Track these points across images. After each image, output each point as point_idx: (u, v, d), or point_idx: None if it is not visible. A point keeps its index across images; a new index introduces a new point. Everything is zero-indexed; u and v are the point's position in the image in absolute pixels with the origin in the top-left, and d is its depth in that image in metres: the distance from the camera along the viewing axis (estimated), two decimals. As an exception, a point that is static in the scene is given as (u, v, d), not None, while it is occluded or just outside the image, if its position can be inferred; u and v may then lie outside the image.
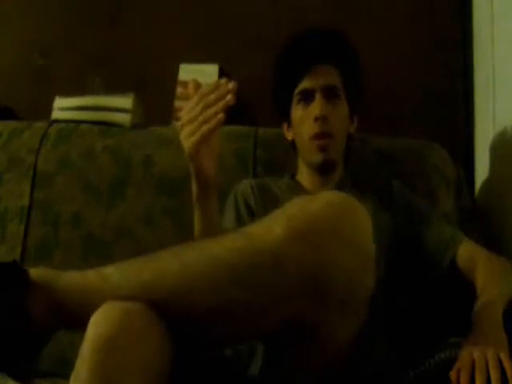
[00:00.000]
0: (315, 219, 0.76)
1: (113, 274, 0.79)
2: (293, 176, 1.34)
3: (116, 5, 1.81)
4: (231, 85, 0.93)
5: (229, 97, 0.92)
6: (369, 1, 1.71)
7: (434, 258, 1.18)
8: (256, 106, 1.70)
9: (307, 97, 1.24)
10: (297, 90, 1.25)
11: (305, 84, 1.24)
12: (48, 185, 1.48)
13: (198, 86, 0.96)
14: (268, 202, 1.25)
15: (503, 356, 0.83)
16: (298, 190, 1.28)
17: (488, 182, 1.49)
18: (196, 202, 1.02)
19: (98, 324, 0.69)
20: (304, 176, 1.30)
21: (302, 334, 0.81)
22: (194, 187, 1.00)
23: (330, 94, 1.23)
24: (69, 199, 1.46)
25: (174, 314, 0.75)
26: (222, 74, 1.67)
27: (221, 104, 0.92)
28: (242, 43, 1.73)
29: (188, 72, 1.69)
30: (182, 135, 0.95)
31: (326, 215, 0.76)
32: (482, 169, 1.53)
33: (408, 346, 1.08)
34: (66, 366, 0.97)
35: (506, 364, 0.81)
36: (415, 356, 0.89)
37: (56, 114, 1.61)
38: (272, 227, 0.76)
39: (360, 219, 0.79)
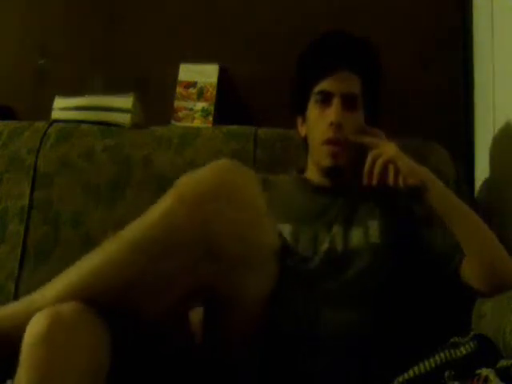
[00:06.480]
0: (198, 183, 0.84)
1: (39, 293, 0.84)
2: (300, 172, 1.32)
3: (116, 4, 1.81)
4: None
5: None
6: (368, 0, 1.71)
7: (441, 261, 1.17)
8: (256, 106, 1.70)
9: (325, 99, 1.22)
10: (316, 89, 1.23)
11: (325, 85, 1.22)
12: (48, 185, 1.48)
13: None
14: (272, 198, 1.23)
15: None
16: (305, 184, 1.27)
17: (488, 182, 1.48)
18: None
19: (32, 328, 0.72)
20: (312, 174, 1.29)
21: (213, 299, 0.87)
22: None
23: (348, 101, 1.21)
24: (69, 199, 1.46)
25: (101, 295, 0.80)
26: (222, 73, 1.67)
27: None
28: (242, 43, 1.72)
29: (188, 72, 1.68)
30: None
31: (209, 178, 0.85)
32: (482, 169, 1.53)
33: (408, 346, 1.08)
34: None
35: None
36: (415, 356, 0.89)
37: (56, 114, 1.61)
38: (164, 199, 0.85)
39: (244, 179, 0.86)
